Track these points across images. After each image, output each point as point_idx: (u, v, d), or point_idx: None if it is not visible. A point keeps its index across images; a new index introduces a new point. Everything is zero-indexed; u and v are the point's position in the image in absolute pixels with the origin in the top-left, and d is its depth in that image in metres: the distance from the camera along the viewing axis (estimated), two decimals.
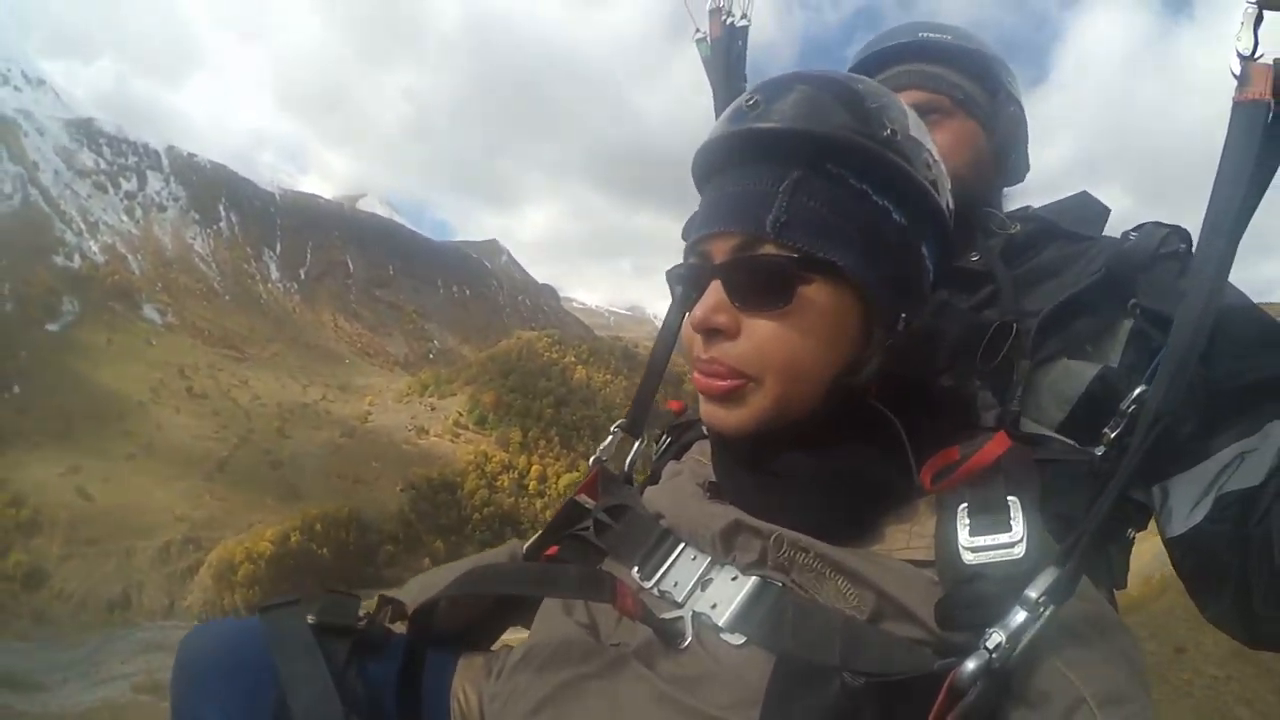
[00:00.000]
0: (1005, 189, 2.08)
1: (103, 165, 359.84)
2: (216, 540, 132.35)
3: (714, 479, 1.36)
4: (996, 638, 0.96)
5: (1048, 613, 0.98)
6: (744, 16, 2.19)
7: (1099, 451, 1.46)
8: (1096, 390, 1.58)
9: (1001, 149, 1.95)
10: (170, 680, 1.37)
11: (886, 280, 1.18)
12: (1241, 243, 1.06)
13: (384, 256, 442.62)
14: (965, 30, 2.04)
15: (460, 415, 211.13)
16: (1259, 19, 1.05)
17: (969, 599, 1.03)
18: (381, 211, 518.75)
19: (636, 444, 1.87)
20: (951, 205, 1.28)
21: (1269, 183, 1.06)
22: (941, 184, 1.25)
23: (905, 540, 1.16)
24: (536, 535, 1.67)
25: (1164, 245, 1.60)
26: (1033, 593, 0.98)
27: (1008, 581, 1.02)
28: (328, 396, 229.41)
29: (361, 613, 1.47)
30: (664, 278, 1.35)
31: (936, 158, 1.25)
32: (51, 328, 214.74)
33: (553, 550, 1.59)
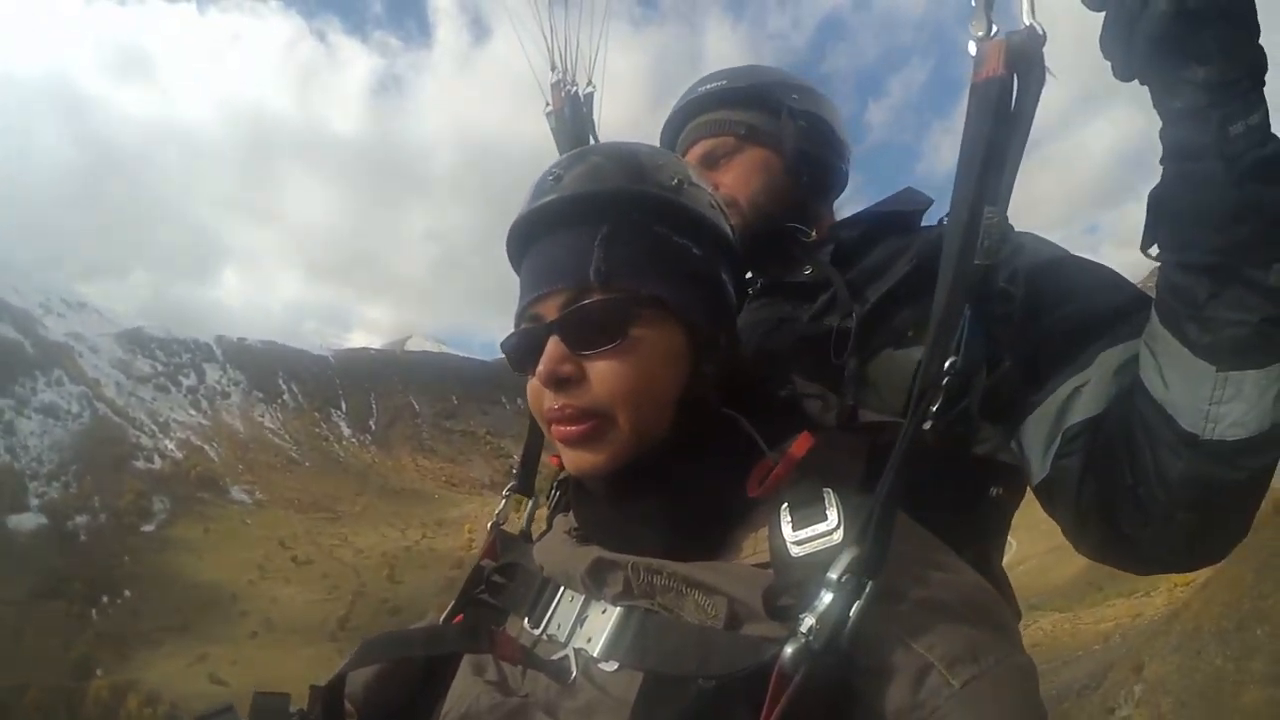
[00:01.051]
0: (834, 200, 2.20)
1: (159, 368, 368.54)
2: None
3: (576, 527, 1.45)
4: (808, 621, 1.00)
5: (870, 589, 1.01)
6: (589, 84, 2.33)
7: (926, 426, 1.38)
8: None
9: (796, 164, 2.03)
10: None
11: (701, 306, 1.33)
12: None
13: (445, 389, 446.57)
14: (745, 69, 2.20)
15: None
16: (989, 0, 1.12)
17: (784, 588, 1.08)
18: (430, 348, 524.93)
19: (530, 502, 1.96)
20: (735, 235, 1.46)
21: (1020, 152, 1.14)
22: (725, 219, 1.44)
23: (753, 545, 1.23)
24: (450, 606, 1.72)
25: None
26: (833, 573, 1.02)
27: (817, 567, 1.06)
28: (427, 535, 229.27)
29: (294, 709, 1.50)
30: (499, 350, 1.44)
31: (717, 200, 1.45)
32: (147, 529, 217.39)
33: (459, 617, 1.64)
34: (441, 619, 1.73)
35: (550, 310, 1.30)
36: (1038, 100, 1.12)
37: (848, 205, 2.21)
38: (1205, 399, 1.23)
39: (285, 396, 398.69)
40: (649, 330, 1.27)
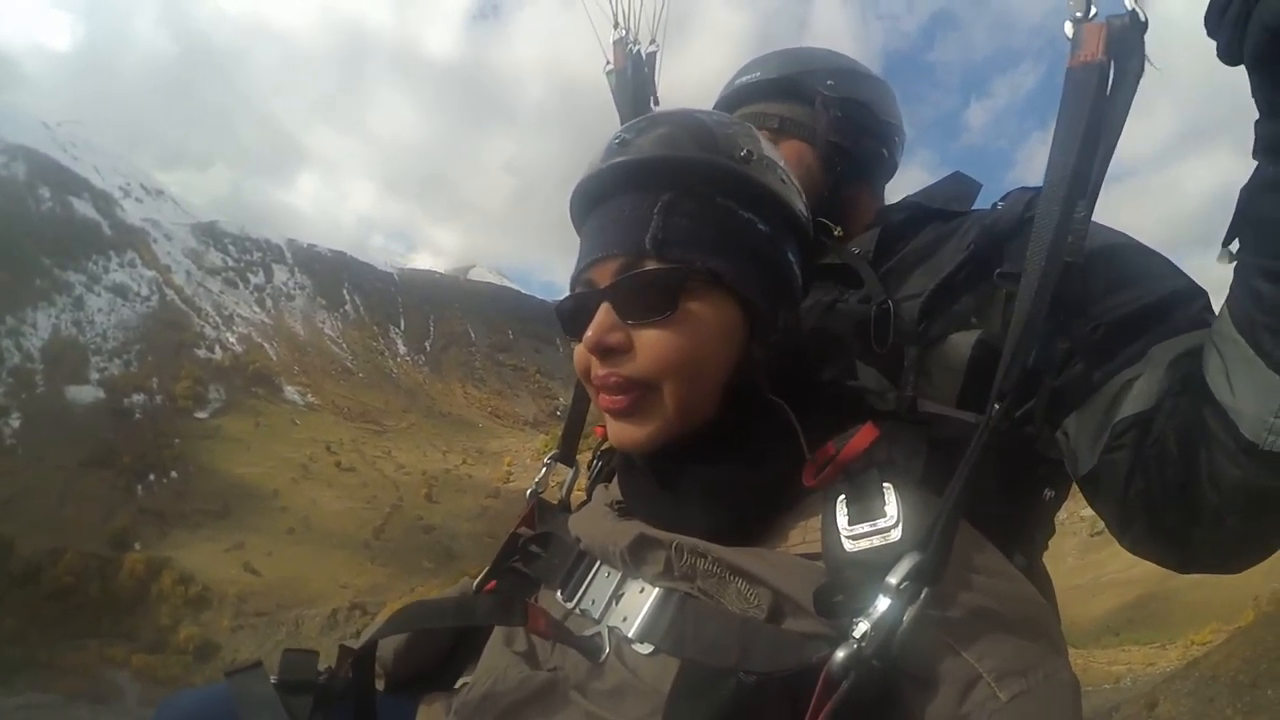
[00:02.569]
0: (882, 184, 2.18)
1: (230, 263, 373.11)
2: (381, 605, 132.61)
3: (620, 500, 1.41)
4: (862, 626, 0.98)
5: (924, 595, 0.99)
6: (652, 42, 2.27)
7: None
8: (980, 356, 1.60)
9: (830, 153, 2.02)
10: None
11: (760, 284, 1.28)
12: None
13: (502, 322, 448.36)
14: (781, 57, 2.15)
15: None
16: None
17: (839, 587, 1.06)
18: (492, 279, 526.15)
19: (571, 472, 1.95)
20: (807, 214, 1.40)
21: (1114, 142, 1.10)
22: (796, 196, 1.37)
23: (802, 535, 1.21)
24: (484, 571, 1.71)
25: (1029, 210, 1.61)
26: (893, 579, 1.00)
27: (873, 567, 1.05)
28: (467, 461, 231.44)
29: (322, 667, 1.51)
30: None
31: (790, 176, 1.38)
32: (200, 415, 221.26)
33: (492, 585, 1.63)
34: (474, 585, 1.72)
35: (604, 276, 1.28)
36: (1134, 91, 1.06)
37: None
38: (1272, 411, 1.18)
39: (347, 307, 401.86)
40: (703, 304, 1.24)
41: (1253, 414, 1.20)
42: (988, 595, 1.07)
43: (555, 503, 1.85)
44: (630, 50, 2.26)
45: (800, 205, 1.36)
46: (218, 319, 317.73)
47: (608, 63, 2.29)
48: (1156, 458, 1.37)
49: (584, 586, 1.33)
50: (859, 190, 2.10)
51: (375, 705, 1.45)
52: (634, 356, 1.24)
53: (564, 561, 1.39)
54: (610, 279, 1.27)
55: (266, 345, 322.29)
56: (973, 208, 1.89)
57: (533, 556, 1.49)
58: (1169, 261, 1.56)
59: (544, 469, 1.93)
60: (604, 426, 1.56)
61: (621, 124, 2.11)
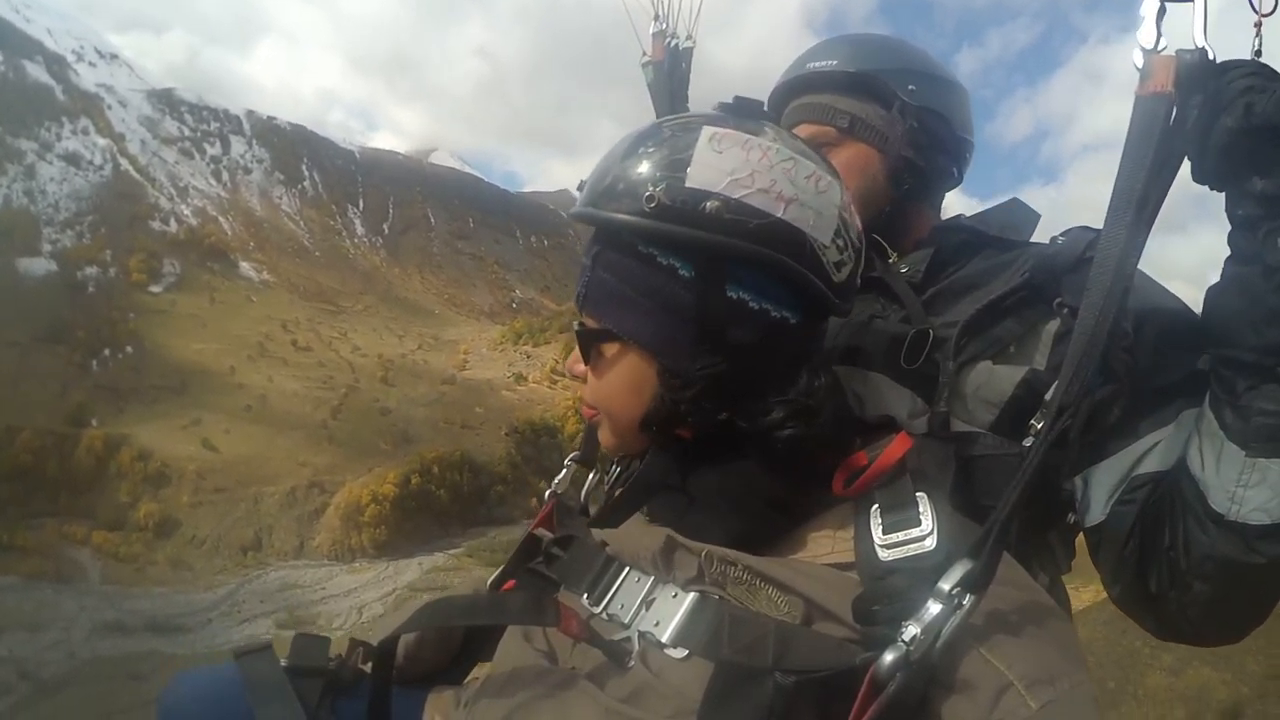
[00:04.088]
0: (942, 198, 2.10)
1: (186, 132, 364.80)
2: (339, 484, 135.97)
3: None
4: (912, 630, 0.99)
5: (968, 603, 1.01)
6: (689, 38, 2.25)
7: (1026, 444, 1.46)
8: (1022, 395, 1.61)
9: (900, 167, 1.92)
10: None
11: (670, 338, 1.26)
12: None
13: (463, 209, 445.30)
14: (861, 46, 2.04)
15: (556, 362, 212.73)
16: (1161, 11, 1.10)
17: (883, 594, 1.07)
18: (454, 165, 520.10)
19: (591, 475, 1.96)
20: (779, 230, 1.22)
21: (1173, 175, 1.12)
22: (742, 221, 1.21)
23: (830, 545, 1.22)
24: (499, 571, 1.74)
25: (1089, 249, 1.62)
26: (945, 584, 1.01)
27: (920, 574, 1.06)
28: (423, 346, 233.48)
29: (333, 654, 1.55)
30: None
31: (737, 194, 1.20)
32: (155, 290, 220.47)
33: (510, 584, 1.65)
34: (489, 583, 1.76)
35: (576, 323, 1.37)
36: (1197, 128, 1.10)
37: None
38: (1233, 481, 1.27)
39: (305, 183, 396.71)
40: (615, 357, 1.31)
41: (1219, 484, 1.29)
42: (1011, 604, 1.09)
43: (573, 505, 1.88)
44: (668, 44, 2.23)
45: (755, 225, 1.20)
46: (172, 190, 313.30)
47: (644, 54, 2.27)
48: (1153, 518, 1.43)
49: (612, 591, 1.33)
50: (920, 206, 2.02)
51: (390, 698, 1.49)
52: (587, 387, 1.38)
53: (589, 565, 1.39)
54: (574, 326, 1.36)
55: (222, 219, 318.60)
56: (1030, 239, 1.89)
57: (554, 558, 1.48)
58: None
59: (565, 470, 1.96)
60: None
61: (656, 114, 2.21)
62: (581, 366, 1.37)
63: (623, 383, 1.31)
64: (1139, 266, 1.15)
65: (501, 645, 1.48)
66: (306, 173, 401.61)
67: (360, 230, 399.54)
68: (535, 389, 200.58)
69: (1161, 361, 1.52)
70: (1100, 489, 1.52)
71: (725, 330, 1.25)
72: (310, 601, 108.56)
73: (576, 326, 1.34)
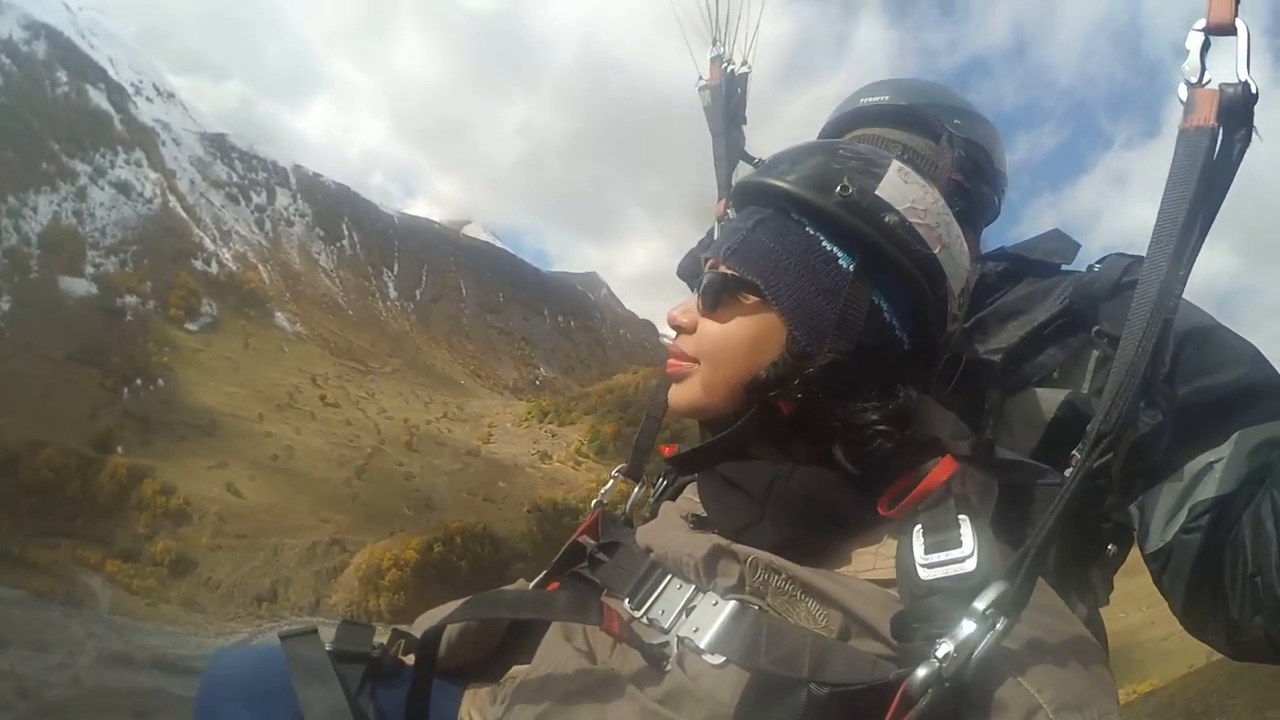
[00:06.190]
0: (982, 230, 2.14)
1: (235, 178, 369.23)
2: (359, 544, 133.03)
3: (698, 513, 1.47)
4: (945, 647, 1.00)
5: (1000, 625, 1.01)
6: (745, 63, 2.31)
7: (1068, 473, 1.39)
8: (1064, 416, 1.63)
9: (949, 195, 1.92)
10: (195, 701, 1.49)
11: (809, 313, 1.32)
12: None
13: (494, 283, 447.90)
14: (909, 84, 2.16)
15: (581, 444, 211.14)
16: (1206, 45, 1.11)
17: (922, 612, 1.09)
18: (487, 238, 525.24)
19: (636, 487, 2.01)
20: (931, 263, 1.35)
21: (1217, 210, 1.12)
22: (913, 246, 1.33)
23: (872, 561, 1.25)
24: (541, 575, 1.78)
25: (1126, 275, 1.65)
26: (980, 604, 1.02)
27: (958, 594, 1.08)
28: (448, 415, 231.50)
29: (376, 642, 1.58)
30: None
31: (911, 219, 1.34)
32: (191, 327, 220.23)
33: (554, 587, 1.68)
34: (532, 586, 1.79)
35: (708, 269, 1.44)
36: (1240, 162, 1.11)
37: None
38: None
39: (344, 242, 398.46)
40: (747, 311, 1.35)
41: None
42: (1047, 631, 1.10)
43: (619, 516, 1.90)
44: (725, 69, 2.29)
45: (917, 250, 1.35)
46: (216, 233, 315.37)
47: (700, 78, 2.32)
48: (1230, 544, 1.41)
49: (654, 597, 1.37)
50: (965, 233, 1.94)
51: (431, 689, 1.51)
52: (691, 337, 1.41)
53: (633, 570, 1.44)
54: (707, 273, 1.42)
55: (261, 267, 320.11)
56: (1070, 267, 1.93)
57: (599, 563, 1.54)
58: (1257, 350, 1.60)
59: (611, 482, 2.01)
60: (669, 446, 1.63)
61: (712, 138, 2.31)
62: (688, 317, 1.41)
63: (746, 335, 1.35)
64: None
65: (543, 644, 1.50)
66: (346, 232, 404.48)
67: (393, 294, 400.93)
68: (559, 469, 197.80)
69: (1204, 382, 1.52)
70: (1157, 514, 1.51)
71: (859, 326, 1.31)
72: None
73: (713, 273, 1.40)
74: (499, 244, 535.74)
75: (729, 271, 1.36)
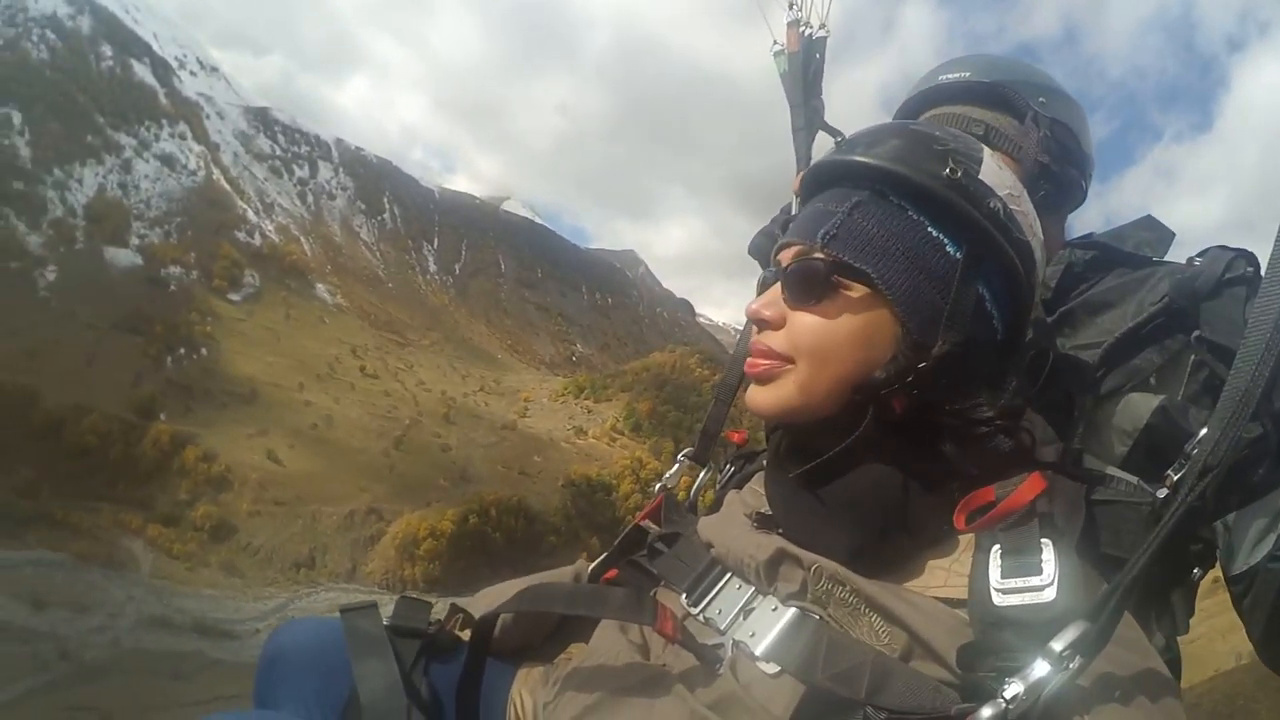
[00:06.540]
0: (1068, 215, 2.08)
1: (278, 151, 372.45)
2: (396, 513, 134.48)
3: (763, 510, 1.41)
4: (1015, 689, 0.95)
5: (1074, 665, 0.97)
6: (823, 26, 2.16)
7: (1161, 494, 1.40)
8: (1158, 424, 1.55)
9: (1035, 176, 1.90)
10: (256, 667, 1.52)
11: (924, 303, 1.25)
12: None
13: (532, 259, 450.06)
14: (990, 60, 2.07)
15: (617, 421, 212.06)
16: None
17: (992, 645, 1.04)
18: (526, 214, 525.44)
19: (702, 472, 1.96)
20: (1030, 255, 1.31)
21: None
22: (1013, 232, 1.28)
23: (944, 578, 1.19)
24: (601, 557, 1.76)
25: (1229, 270, 1.56)
26: (1058, 645, 0.97)
27: (1033, 629, 1.02)
28: (485, 389, 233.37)
29: (433, 618, 1.58)
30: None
31: (1015, 209, 1.30)
32: (233, 298, 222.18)
33: (612, 573, 1.67)
34: (590, 569, 1.77)
35: (786, 259, 1.33)
36: None
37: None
38: None
39: (385, 216, 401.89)
40: (853, 302, 1.25)
41: None
42: (1119, 665, 1.05)
43: (682, 501, 1.83)
44: (802, 33, 2.16)
45: (1019, 241, 1.30)
46: (259, 205, 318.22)
47: (775, 43, 2.19)
48: None
49: (712, 595, 1.32)
50: (1051, 219, 1.95)
51: (484, 671, 1.51)
52: (781, 332, 1.30)
53: (693, 565, 1.39)
54: (788, 262, 1.32)
55: (303, 239, 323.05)
56: (1164, 258, 1.84)
57: (658, 553, 1.49)
58: None
59: (676, 465, 1.95)
60: (738, 432, 1.59)
61: (790, 107, 2.17)
62: (773, 309, 1.31)
63: (855, 330, 1.25)
64: None
65: (598, 633, 1.48)
66: (387, 205, 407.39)
67: (433, 268, 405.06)
68: (594, 444, 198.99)
69: None
70: (1245, 536, 1.44)
71: (969, 317, 1.26)
72: None
73: (804, 260, 1.29)
74: (538, 220, 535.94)
75: (829, 258, 1.26)
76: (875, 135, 1.36)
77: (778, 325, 1.30)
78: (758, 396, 1.32)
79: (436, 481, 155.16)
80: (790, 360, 1.27)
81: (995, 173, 1.31)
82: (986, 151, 1.33)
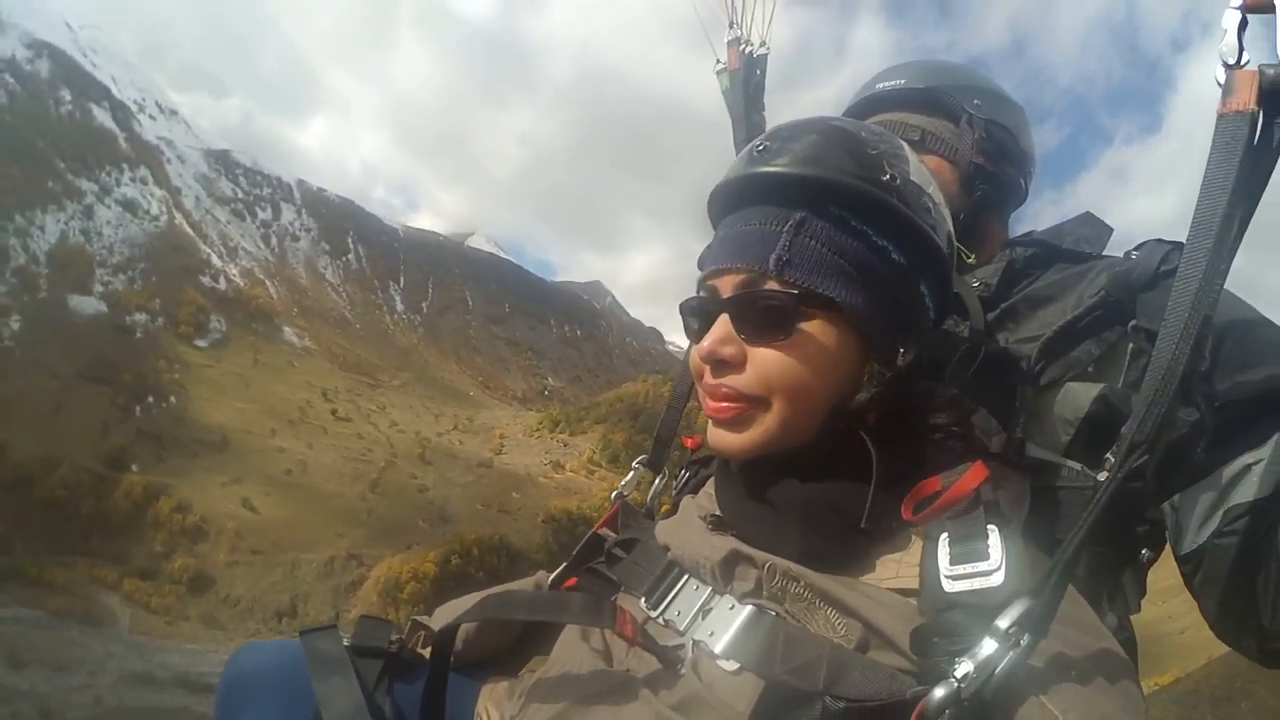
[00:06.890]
0: (1010, 213, 2.10)
1: (240, 194, 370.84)
2: (376, 558, 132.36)
3: (716, 513, 1.41)
4: (965, 667, 0.97)
5: (1024, 642, 0.98)
6: (763, 44, 2.21)
7: (1101, 477, 1.42)
8: (1098, 412, 1.57)
9: (971, 177, 1.93)
10: (217, 692, 1.50)
11: (883, 316, 1.25)
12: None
13: (500, 294, 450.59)
14: (925, 66, 2.09)
15: (593, 453, 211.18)
16: (1243, 24, 1.03)
17: (942, 628, 1.05)
18: (490, 249, 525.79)
19: (657, 479, 1.96)
20: (952, 246, 1.35)
21: (1258, 199, 1.05)
22: (940, 227, 1.31)
23: (896, 569, 1.20)
24: (561, 566, 1.75)
25: (1164, 263, 1.59)
26: (1003, 623, 0.99)
27: (980, 610, 1.03)
28: (459, 428, 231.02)
29: (394, 637, 1.56)
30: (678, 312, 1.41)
31: (937, 201, 1.32)
32: (200, 344, 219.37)
33: (573, 581, 1.67)
34: (550, 580, 1.75)
35: (727, 287, 1.28)
36: None
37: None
38: None
39: (350, 256, 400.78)
40: (818, 330, 1.23)
41: None
42: (1073, 645, 1.07)
43: (639, 508, 1.85)
44: (743, 51, 2.19)
45: (946, 234, 1.33)
46: (223, 249, 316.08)
47: (718, 61, 2.22)
48: (1264, 547, 1.36)
49: (670, 597, 1.34)
50: (991, 218, 2.02)
51: (447, 685, 1.48)
52: (745, 372, 1.25)
53: (650, 569, 1.40)
54: (732, 291, 1.27)
55: (268, 283, 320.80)
56: (1103, 253, 1.85)
57: (616, 559, 1.50)
58: None
59: (632, 473, 1.96)
60: (691, 438, 1.58)
61: (732, 123, 2.15)
62: (730, 348, 1.27)
63: (825, 358, 1.23)
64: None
65: (560, 642, 1.47)
66: (352, 246, 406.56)
67: (400, 307, 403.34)
68: (572, 478, 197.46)
69: (1243, 378, 1.46)
70: (1192, 516, 1.46)
71: (917, 319, 1.29)
72: None
73: (755, 291, 1.26)
74: (503, 255, 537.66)
75: (788, 286, 1.23)
76: (792, 135, 1.31)
77: (739, 364, 1.26)
78: (728, 439, 1.29)
79: (415, 523, 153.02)
80: (761, 399, 1.25)
81: (920, 171, 1.32)
82: (907, 149, 1.34)
